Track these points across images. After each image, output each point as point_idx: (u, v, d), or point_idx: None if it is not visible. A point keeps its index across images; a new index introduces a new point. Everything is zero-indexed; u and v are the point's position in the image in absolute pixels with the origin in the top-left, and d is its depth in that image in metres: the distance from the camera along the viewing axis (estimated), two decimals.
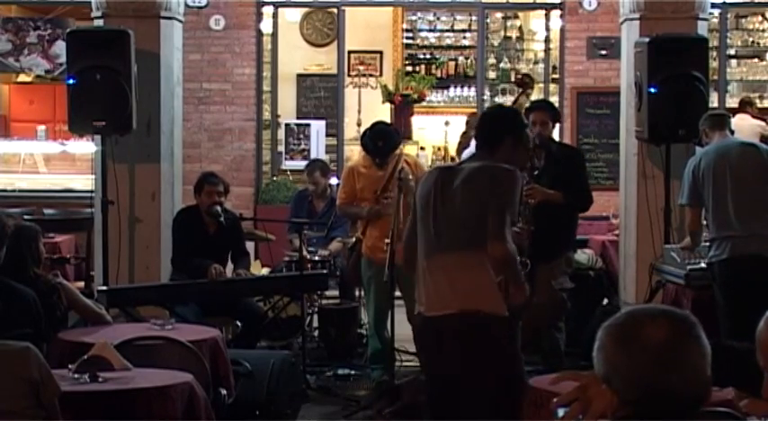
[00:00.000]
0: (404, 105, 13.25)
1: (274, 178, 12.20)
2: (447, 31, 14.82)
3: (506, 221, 4.77)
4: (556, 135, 11.93)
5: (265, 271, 9.25)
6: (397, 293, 7.42)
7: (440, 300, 4.82)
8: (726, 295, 6.47)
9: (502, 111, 5.61)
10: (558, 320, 7.42)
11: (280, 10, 12.61)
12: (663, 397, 2.25)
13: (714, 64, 11.78)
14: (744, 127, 12.30)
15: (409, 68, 14.43)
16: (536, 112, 7.36)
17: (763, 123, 12.16)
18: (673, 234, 8.08)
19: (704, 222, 6.81)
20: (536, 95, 12.24)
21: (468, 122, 11.87)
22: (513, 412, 4.74)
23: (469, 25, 14.27)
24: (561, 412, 2.43)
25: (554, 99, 12.39)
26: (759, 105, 13.00)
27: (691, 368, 2.27)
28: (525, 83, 8.41)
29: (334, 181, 9.73)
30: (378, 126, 7.96)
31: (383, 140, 7.62)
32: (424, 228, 4.91)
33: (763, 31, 13.99)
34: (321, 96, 12.95)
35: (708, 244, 6.69)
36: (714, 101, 11.40)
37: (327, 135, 12.32)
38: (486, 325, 4.75)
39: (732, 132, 6.97)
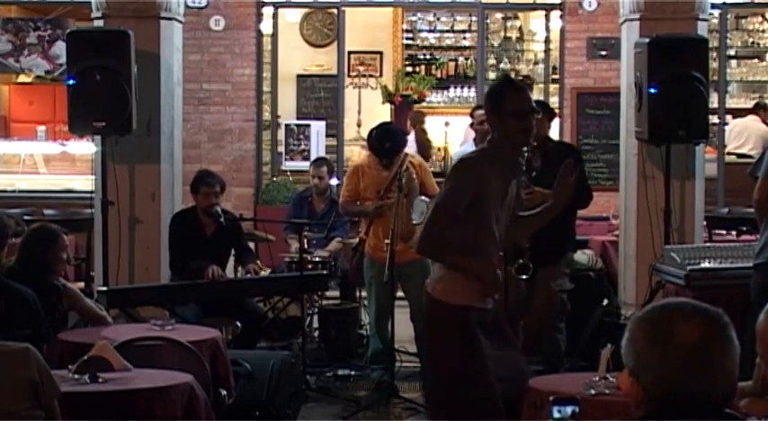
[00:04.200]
0: (404, 106, 13.26)
1: (274, 179, 12.18)
2: (447, 31, 14.84)
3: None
4: (555, 135, 12.03)
5: (265, 271, 9.23)
6: (399, 293, 7.42)
7: None
8: None
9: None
10: (558, 321, 7.41)
11: (280, 10, 12.60)
12: (691, 397, 2.24)
13: (714, 64, 11.77)
14: (752, 128, 12.35)
15: (409, 69, 14.45)
16: None
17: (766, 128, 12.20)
18: (673, 234, 8.07)
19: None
20: (536, 96, 12.27)
21: None
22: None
23: (469, 26, 14.28)
24: (557, 413, 2.43)
25: (554, 99, 12.40)
26: None
27: (721, 369, 2.25)
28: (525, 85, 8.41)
29: (334, 181, 9.70)
30: (385, 127, 7.95)
31: (390, 141, 7.59)
32: None
33: (763, 31, 13.99)
34: (321, 97, 12.96)
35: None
36: (714, 101, 11.39)
37: (327, 135, 12.30)
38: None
39: None
